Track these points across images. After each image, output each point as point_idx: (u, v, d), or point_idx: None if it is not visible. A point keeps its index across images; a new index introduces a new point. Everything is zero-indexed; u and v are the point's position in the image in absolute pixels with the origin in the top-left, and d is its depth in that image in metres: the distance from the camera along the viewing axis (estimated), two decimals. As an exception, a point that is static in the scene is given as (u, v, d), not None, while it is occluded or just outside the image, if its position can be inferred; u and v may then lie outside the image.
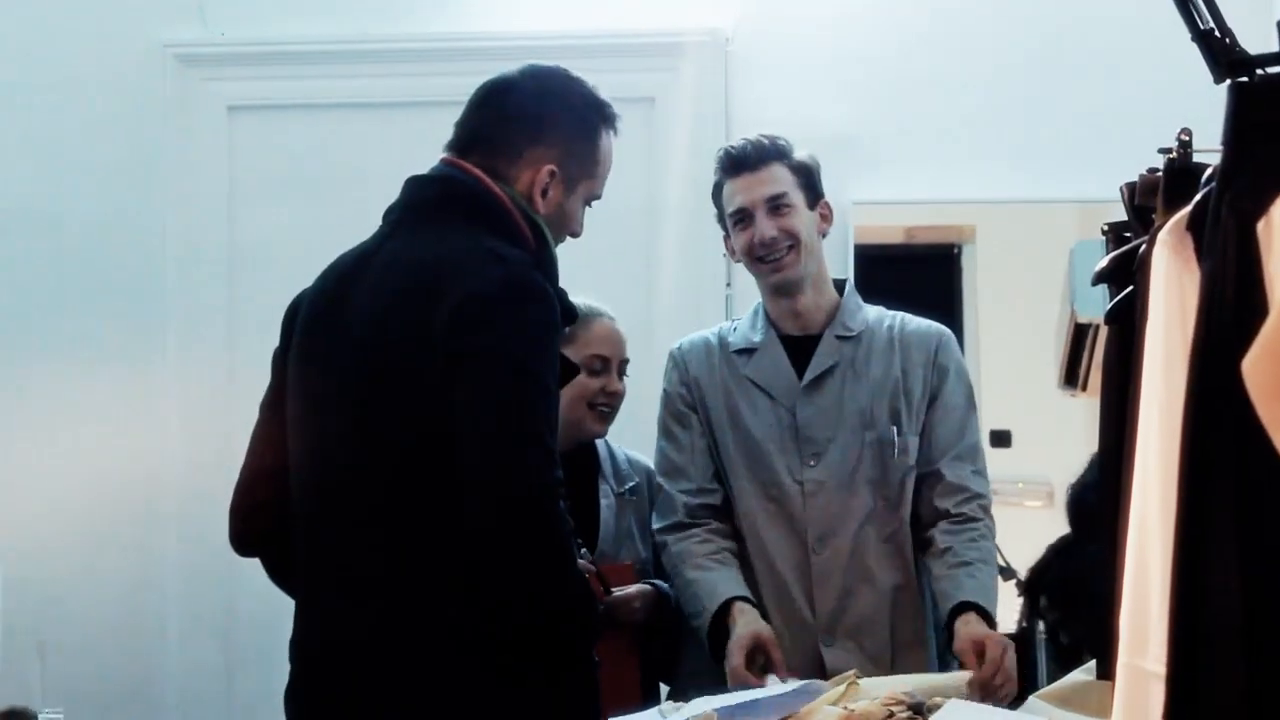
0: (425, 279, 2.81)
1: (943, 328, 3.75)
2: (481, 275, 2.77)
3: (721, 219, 3.73)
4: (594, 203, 3.11)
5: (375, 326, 2.85)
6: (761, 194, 3.62)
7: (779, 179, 3.63)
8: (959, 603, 3.43)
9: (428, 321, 2.76)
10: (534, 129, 3.00)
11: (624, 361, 3.85)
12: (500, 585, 2.72)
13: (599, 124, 3.07)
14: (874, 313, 3.74)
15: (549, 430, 2.74)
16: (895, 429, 3.59)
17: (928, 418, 3.63)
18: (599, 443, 3.91)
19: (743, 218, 3.65)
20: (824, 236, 3.72)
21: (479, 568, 2.70)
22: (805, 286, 3.67)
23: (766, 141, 3.66)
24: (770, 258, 3.63)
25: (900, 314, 3.75)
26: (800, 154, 3.67)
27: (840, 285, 3.77)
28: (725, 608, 3.47)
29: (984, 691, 3.22)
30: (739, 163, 3.65)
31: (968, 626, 3.38)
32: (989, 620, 3.41)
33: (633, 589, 3.63)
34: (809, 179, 3.67)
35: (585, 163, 3.05)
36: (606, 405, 3.80)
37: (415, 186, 3.01)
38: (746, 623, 3.43)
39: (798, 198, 3.63)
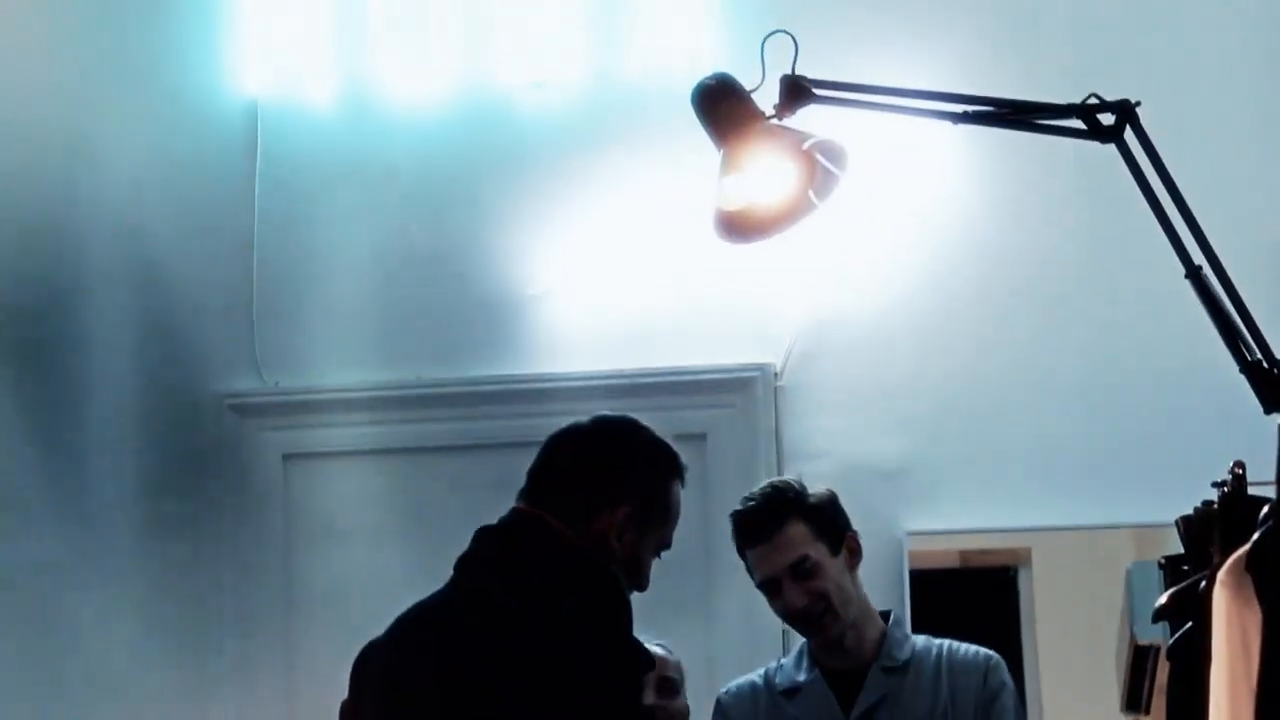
0: (509, 646, 2.82)
1: (991, 652, 3.67)
2: (570, 643, 2.80)
3: (750, 573, 3.68)
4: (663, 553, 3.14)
5: (460, 690, 2.84)
6: (783, 563, 3.57)
7: (796, 541, 3.57)
8: None
9: (511, 690, 2.78)
10: (609, 479, 3.02)
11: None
12: None
13: (669, 474, 3.10)
14: (921, 642, 3.69)
15: None
16: None
17: None
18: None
19: (772, 588, 3.61)
20: (857, 565, 3.66)
21: None
22: (847, 633, 3.63)
23: (774, 496, 3.60)
24: (807, 625, 3.61)
25: (947, 641, 3.69)
26: (814, 495, 3.63)
27: (885, 615, 3.73)
28: None
29: None
30: (754, 531, 3.60)
31: None
32: None
33: None
34: (828, 523, 3.61)
35: (657, 511, 3.07)
36: None
37: (488, 538, 3.02)
38: None
39: (820, 552, 3.57)
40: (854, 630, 3.63)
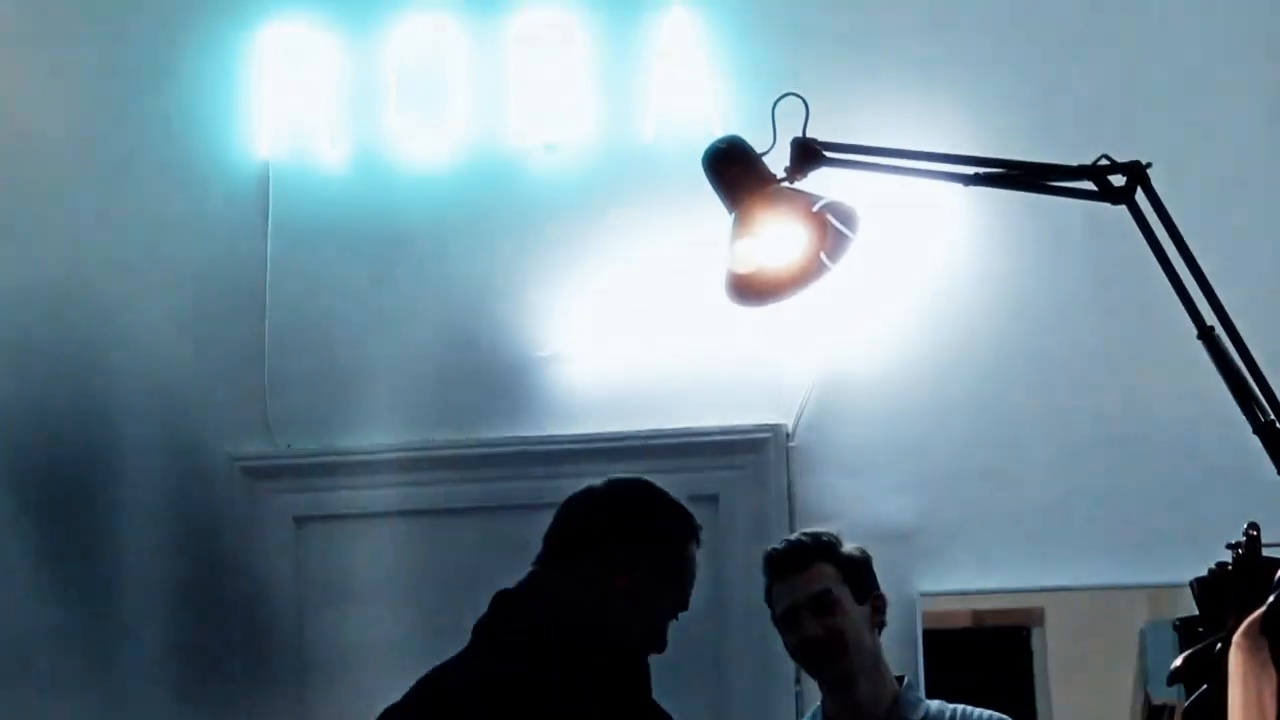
0: (528, 711, 2.82)
1: (1004, 716, 3.69)
2: (590, 708, 2.82)
3: (774, 620, 3.72)
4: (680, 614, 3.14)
5: None
6: (806, 593, 3.61)
7: (822, 578, 3.62)
8: None
9: None
10: (625, 542, 3.04)
11: None
12: None
13: (685, 535, 3.11)
14: (934, 706, 3.71)
15: None
16: None
17: None
18: None
19: (790, 619, 3.64)
20: (880, 629, 3.70)
21: None
22: (859, 681, 3.64)
23: (808, 540, 3.67)
24: (818, 659, 3.62)
25: (961, 706, 3.71)
26: (848, 547, 3.68)
27: (899, 679, 3.74)
28: None
29: None
30: (782, 566, 3.65)
31: None
32: None
33: None
34: (857, 573, 3.66)
35: (673, 573, 3.09)
36: None
37: (506, 602, 3.02)
38: None
39: (843, 594, 3.62)
40: (867, 681, 3.64)
